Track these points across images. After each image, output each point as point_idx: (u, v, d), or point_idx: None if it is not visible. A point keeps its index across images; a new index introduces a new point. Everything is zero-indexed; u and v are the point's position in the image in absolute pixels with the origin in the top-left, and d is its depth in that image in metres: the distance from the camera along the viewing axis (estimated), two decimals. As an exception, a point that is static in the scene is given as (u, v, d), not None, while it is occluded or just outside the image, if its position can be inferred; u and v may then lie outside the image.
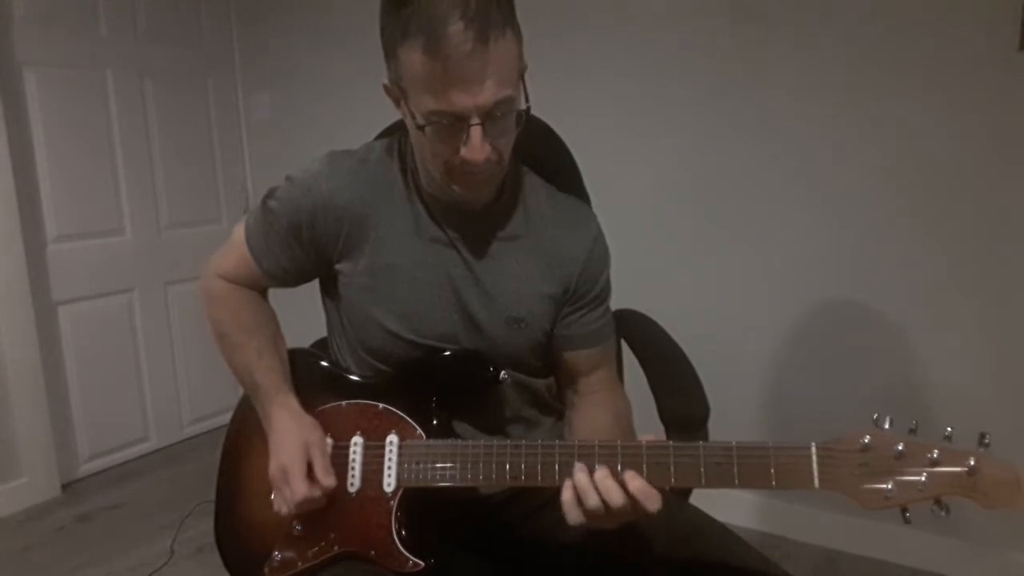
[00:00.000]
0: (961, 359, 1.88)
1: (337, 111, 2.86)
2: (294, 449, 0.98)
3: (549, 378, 1.14)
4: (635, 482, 0.83)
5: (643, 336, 1.29)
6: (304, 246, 1.05)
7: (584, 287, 1.07)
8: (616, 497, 0.82)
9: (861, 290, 1.99)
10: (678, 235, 2.24)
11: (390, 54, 0.89)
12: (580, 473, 0.85)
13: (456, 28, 0.80)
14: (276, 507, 0.99)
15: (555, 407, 1.16)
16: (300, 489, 0.95)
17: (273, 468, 0.98)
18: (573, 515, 0.85)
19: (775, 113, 2.03)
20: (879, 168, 1.92)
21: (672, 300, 1.82)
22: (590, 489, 0.83)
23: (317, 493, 0.96)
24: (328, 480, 0.97)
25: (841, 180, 1.97)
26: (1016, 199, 1.77)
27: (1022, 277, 1.79)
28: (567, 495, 0.85)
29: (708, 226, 2.19)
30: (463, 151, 0.88)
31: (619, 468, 0.84)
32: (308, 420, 1.02)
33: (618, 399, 1.13)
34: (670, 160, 2.21)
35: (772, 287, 2.12)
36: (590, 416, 1.09)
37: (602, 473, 0.84)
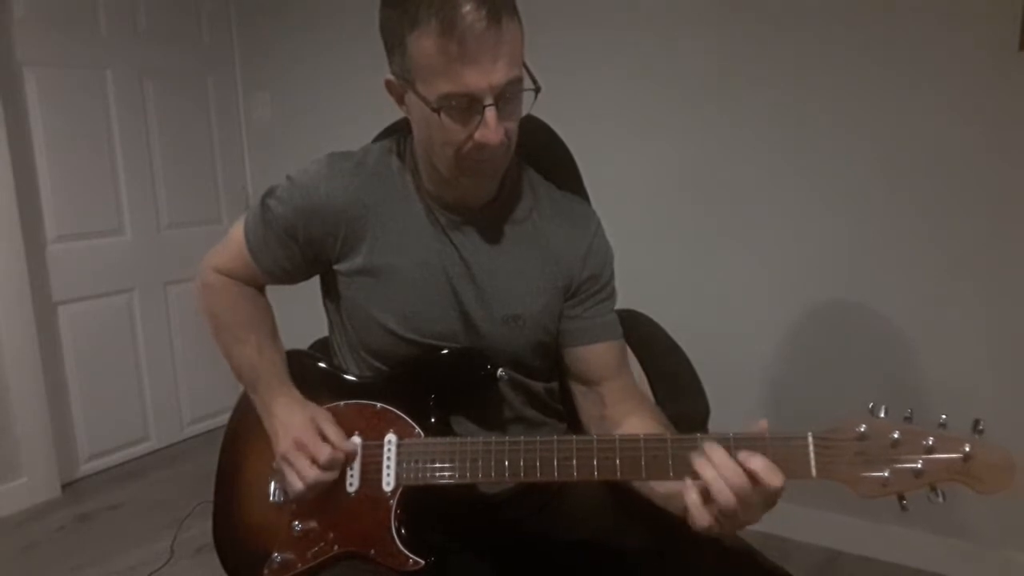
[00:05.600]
0: (963, 359, 1.88)
1: (337, 111, 2.86)
2: (303, 422, 0.99)
3: (551, 382, 1.13)
4: (754, 461, 0.77)
5: (643, 336, 1.29)
6: (301, 246, 1.05)
7: (587, 282, 1.07)
8: (739, 478, 0.76)
9: (861, 290, 1.99)
10: (678, 235, 2.24)
11: (396, 46, 0.89)
12: (702, 466, 0.79)
13: (469, 8, 0.82)
14: (291, 485, 0.96)
15: (556, 409, 1.15)
16: (323, 451, 0.95)
17: (285, 446, 0.98)
18: (701, 517, 0.78)
19: (775, 113, 2.03)
20: (879, 168, 1.92)
21: (672, 300, 1.81)
22: (712, 472, 0.78)
23: (340, 455, 0.96)
24: (345, 444, 0.97)
25: (841, 180, 1.97)
26: (1016, 199, 1.77)
27: (1023, 277, 1.80)
28: (692, 496, 0.79)
29: (708, 226, 2.19)
30: (477, 134, 0.88)
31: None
32: (311, 403, 1.03)
33: (655, 406, 1.05)
34: (670, 160, 2.21)
35: (772, 287, 2.12)
36: (640, 427, 0.98)
37: (719, 454, 0.78)
